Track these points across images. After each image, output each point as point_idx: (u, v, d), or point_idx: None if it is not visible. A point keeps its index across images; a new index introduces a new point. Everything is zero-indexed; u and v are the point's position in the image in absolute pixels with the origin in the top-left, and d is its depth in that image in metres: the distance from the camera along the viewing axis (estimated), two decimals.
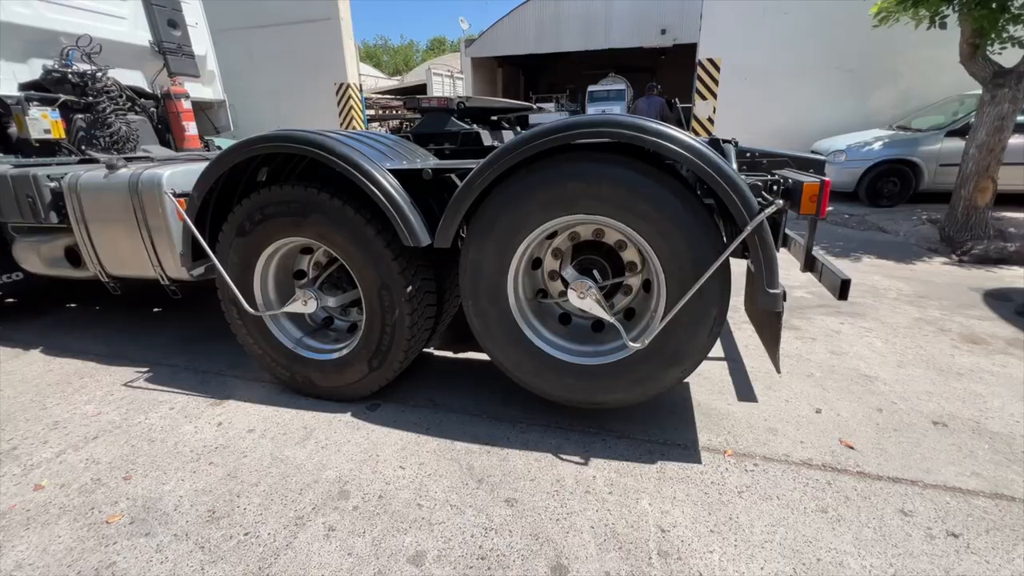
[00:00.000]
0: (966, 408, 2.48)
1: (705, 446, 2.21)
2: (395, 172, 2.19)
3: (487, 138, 2.90)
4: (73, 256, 3.17)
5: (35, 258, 3.24)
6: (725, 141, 2.43)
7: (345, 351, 2.47)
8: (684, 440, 2.26)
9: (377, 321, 2.34)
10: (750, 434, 2.30)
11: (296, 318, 2.67)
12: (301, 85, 10.97)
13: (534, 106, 3.31)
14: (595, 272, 2.19)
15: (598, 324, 2.36)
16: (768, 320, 1.96)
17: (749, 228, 1.71)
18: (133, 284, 3.25)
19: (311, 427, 2.40)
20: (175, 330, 3.62)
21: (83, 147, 3.88)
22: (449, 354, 3.11)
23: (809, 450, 2.18)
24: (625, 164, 1.87)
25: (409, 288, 2.26)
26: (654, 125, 1.79)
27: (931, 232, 5.98)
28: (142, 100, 4.41)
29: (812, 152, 7.83)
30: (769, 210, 1.70)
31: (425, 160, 2.57)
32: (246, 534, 1.79)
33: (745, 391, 2.67)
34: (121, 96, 4.10)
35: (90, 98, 3.85)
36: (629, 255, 2.28)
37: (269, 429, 2.40)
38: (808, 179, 1.80)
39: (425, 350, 3.13)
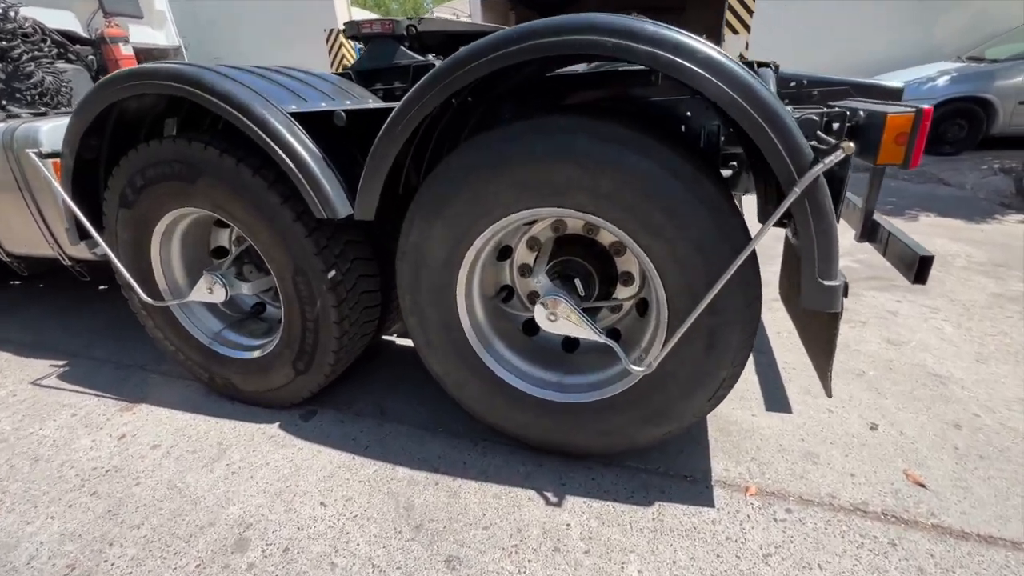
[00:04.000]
0: None
1: (721, 479, 1.68)
2: (298, 117, 1.61)
3: None
4: None
5: None
6: (762, 64, 1.76)
7: (266, 350, 1.98)
8: (693, 469, 1.73)
9: (296, 315, 1.83)
10: (781, 461, 1.74)
11: (216, 306, 2.18)
12: (290, 32, 10.17)
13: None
14: (578, 282, 1.61)
15: (570, 343, 1.81)
16: (819, 324, 1.37)
17: (799, 188, 1.09)
18: (43, 265, 2.81)
19: (227, 443, 1.95)
20: (113, 313, 3.20)
21: (3, 102, 3.36)
22: None
23: (863, 488, 1.62)
24: (643, 149, 1.27)
25: (332, 273, 1.73)
26: (652, 27, 1.15)
27: (1005, 184, 5.08)
28: (76, 46, 3.83)
29: None
30: (831, 158, 1.07)
31: (363, 103, 1.96)
32: None
33: (776, 397, 2.09)
34: (45, 41, 3.53)
35: (2, 43, 3.30)
36: (626, 263, 1.70)
37: (177, 444, 1.96)
38: (894, 108, 1.15)
39: (386, 338, 2.63)
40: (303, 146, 1.57)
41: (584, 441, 1.65)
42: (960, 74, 6.08)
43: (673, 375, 1.43)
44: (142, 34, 4.26)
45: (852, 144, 1.05)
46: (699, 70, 1.11)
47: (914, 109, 1.13)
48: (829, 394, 1.41)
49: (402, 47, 2.23)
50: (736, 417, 1.97)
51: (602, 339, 1.46)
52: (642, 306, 1.74)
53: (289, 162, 1.55)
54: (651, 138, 1.29)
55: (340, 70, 2.39)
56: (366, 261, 1.88)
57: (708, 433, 1.89)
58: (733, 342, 1.35)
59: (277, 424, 2.04)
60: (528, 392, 1.63)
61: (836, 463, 1.73)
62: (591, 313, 1.55)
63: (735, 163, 2.22)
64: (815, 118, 1.23)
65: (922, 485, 1.62)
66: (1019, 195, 4.78)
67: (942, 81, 6.06)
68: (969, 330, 2.55)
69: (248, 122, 1.53)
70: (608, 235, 1.66)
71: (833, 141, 1.14)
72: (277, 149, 1.55)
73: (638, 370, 1.37)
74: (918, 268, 1.52)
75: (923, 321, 2.65)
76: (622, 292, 1.73)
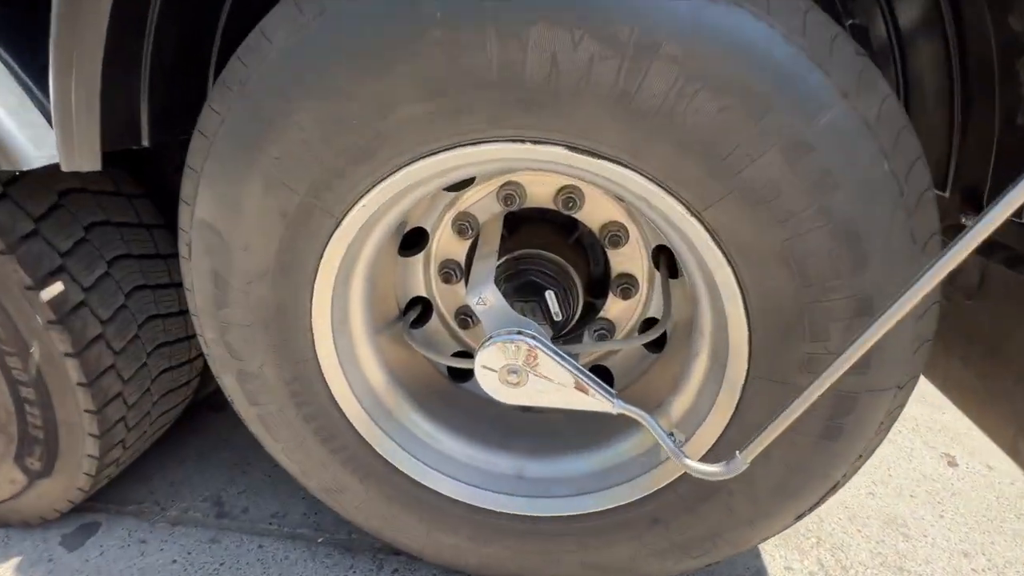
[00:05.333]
0: None
1: None
2: None
3: None
4: None
5: None
6: None
7: None
8: (740, 572, 1.08)
9: None
10: (859, 539, 1.15)
11: None
12: None
13: None
14: (552, 297, 0.84)
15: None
16: None
17: None
18: None
19: None
20: None
21: None
22: None
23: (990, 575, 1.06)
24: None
25: (54, 291, 0.84)
26: None
27: None
28: None
29: None
30: None
31: None
32: None
33: None
34: None
35: None
36: (625, 260, 0.95)
37: None
38: None
39: None
40: None
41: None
42: None
43: (749, 480, 0.73)
44: None
45: None
46: None
47: None
48: None
49: None
50: None
51: (632, 413, 0.71)
52: (655, 340, 1.00)
53: None
54: None
55: None
56: (154, 260, 1.02)
57: None
58: (872, 422, 0.69)
59: (14, 561, 1.13)
60: (461, 499, 0.87)
61: (935, 533, 1.16)
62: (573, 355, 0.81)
63: None
64: None
65: None
66: None
67: None
68: None
69: None
70: (599, 210, 0.91)
71: None
72: None
73: (711, 471, 0.64)
74: None
75: None
76: (614, 308, 0.99)
